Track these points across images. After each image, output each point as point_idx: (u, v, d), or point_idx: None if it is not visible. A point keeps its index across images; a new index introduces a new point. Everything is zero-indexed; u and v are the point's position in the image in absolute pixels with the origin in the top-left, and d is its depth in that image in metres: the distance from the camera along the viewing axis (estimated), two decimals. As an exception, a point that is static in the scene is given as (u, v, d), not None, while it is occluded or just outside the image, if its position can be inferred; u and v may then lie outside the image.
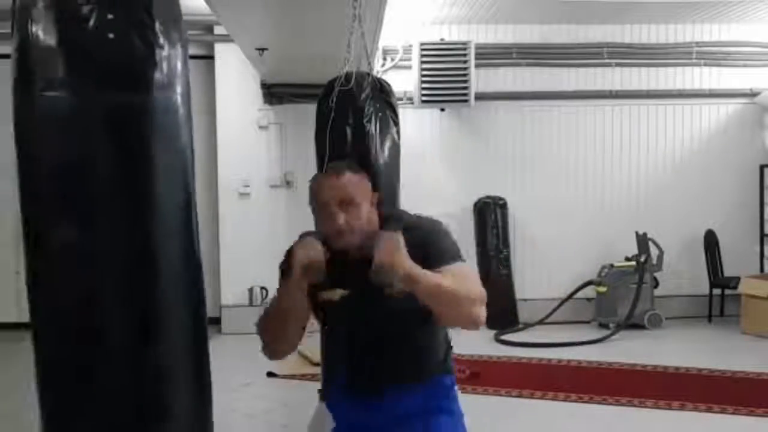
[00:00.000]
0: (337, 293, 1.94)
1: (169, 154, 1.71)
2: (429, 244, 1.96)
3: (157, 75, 1.66)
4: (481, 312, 1.91)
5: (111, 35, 1.59)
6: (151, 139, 1.67)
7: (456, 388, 2.20)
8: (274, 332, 2.06)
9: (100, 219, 1.62)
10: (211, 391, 1.92)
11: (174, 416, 1.74)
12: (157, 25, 1.65)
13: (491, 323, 7.18)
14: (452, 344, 2.25)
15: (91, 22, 1.58)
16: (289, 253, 2.01)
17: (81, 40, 1.58)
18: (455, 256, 1.98)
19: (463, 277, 1.92)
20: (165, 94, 1.68)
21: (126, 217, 1.65)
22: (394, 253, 1.79)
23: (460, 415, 2.17)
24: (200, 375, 1.86)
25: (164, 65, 1.67)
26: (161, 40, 1.66)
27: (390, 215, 2.11)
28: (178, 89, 1.72)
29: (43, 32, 1.58)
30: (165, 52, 1.67)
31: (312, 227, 2.11)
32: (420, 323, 2.02)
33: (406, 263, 1.79)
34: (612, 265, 7.18)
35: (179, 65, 1.72)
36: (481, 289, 1.93)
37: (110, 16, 1.58)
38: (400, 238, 1.84)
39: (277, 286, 2.06)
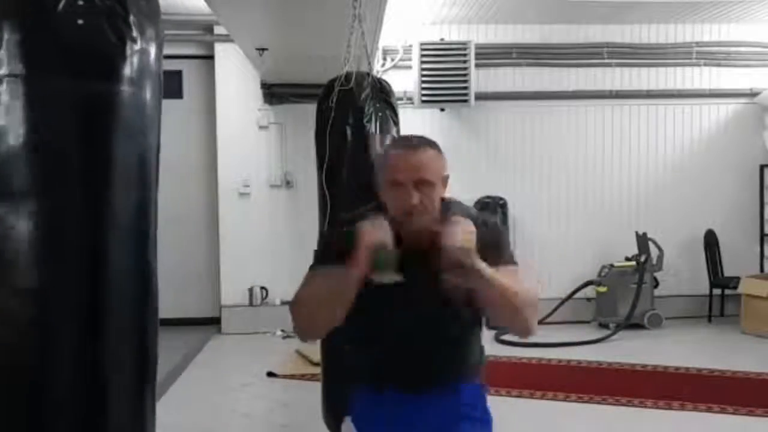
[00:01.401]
0: (392, 276, 1.76)
1: (130, 150, 1.67)
2: (492, 239, 1.86)
3: (126, 68, 1.61)
4: (536, 320, 1.83)
5: (80, 21, 1.56)
6: (114, 135, 1.62)
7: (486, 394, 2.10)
8: (313, 316, 1.87)
9: (54, 214, 1.58)
10: (153, 404, 1.85)
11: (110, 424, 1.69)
12: (131, 18, 1.62)
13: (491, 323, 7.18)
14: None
15: (60, 7, 1.55)
16: (337, 232, 1.87)
17: (48, 23, 1.55)
18: (514, 258, 1.90)
19: (523, 281, 1.83)
20: (132, 89, 1.64)
21: (78, 210, 1.60)
22: (468, 239, 1.68)
23: (490, 423, 2.07)
24: (141, 381, 1.80)
25: (135, 59, 1.63)
26: (134, 34, 1.62)
27: (450, 201, 1.93)
28: (148, 86, 1.68)
29: (10, 14, 1.55)
30: (137, 46, 1.63)
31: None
32: (467, 322, 1.93)
33: (477, 256, 1.69)
34: (612, 265, 7.18)
35: (152, 62, 1.68)
36: (537, 294, 1.86)
37: (80, 2, 1.55)
38: (472, 226, 1.73)
39: (314, 272, 1.89)
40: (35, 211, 1.58)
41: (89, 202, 1.62)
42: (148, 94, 1.69)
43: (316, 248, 2.01)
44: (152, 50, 1.68)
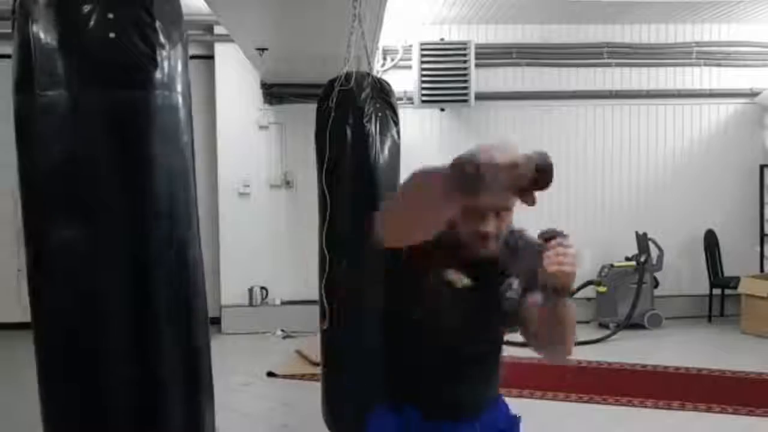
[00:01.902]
0: (463, 280, 1.76)
1: (170, 152, 1.71)
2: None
3: (158, 74, 1.65)
4: (572, 349, 1.76)
5: (111, 34, 1.59)
6: (152, 137, 1.66)
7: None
8: (404, 227, 1.59)
9: (101, 219, 1.62)
10: (212, 398, 1.89)
11: (168, 420, 1.72)
12: (158, 25, 1.65)
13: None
14: None
15: (92, 22, 1.57)
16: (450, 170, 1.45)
17: (81, 39, 1.58)
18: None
19: (574, 315, 1.73)
20: (165, 92, 1.68)
21: (127, 217, 1.64)
22: (576, 264, 1.61)
23: None
24: (197, 379, 1.84)
25: (165, 64, 1.67)
26: (162, 40, 1.65)
27: (512, 227, 1.84)
28: (179, 88, 1.72)
29: (43, 32, 1.57)
30: (165, 52, 1.67)
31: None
32: (500, 338, 1.90)
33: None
34: (612, 265, 7.18)
35: (179, 65, 1.72)
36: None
37: (110, 16, 1.58)
38: (576, 251, 1.65)
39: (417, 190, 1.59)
40: (83, 221, 1.61)
41: (133, 204, 1.66)
42: (179, 95, 1.73)
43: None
44: (179, 53, 1.73)
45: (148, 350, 1.69)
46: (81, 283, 1.63)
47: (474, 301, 1.78)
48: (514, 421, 2.02)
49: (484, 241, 1.74)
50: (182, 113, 1.75)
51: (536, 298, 1.67)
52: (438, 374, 1.84)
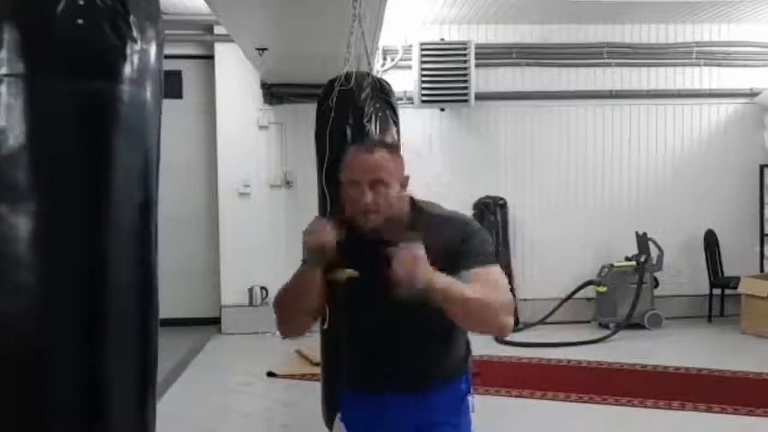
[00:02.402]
0: (346, 273, 1.85)
1: (131, 151, 1.67)
2: (460, 242, 1.87)
3: (127, 68, 1.60)
4: (508, 321, 1.82)
5: (80, 21, 1.55)
6: (114, 133, 1.61)
7: (471, 397, 2.07)
8: (286, 313, 2.02)
9: (54, 215, 1.57)
10: (154, 406, 1.86)
11: (113, 418, 1.69)
12: (132, 18, 1.62)
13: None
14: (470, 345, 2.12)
15: (60, 7, 1.54)
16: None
17: (47, 23, 1.55)
18: (486, 258, 1.88)
19: (490, 284, 1.82)
20: (133, 88, 1.64)
21: (79, 210, 1.59)
22: (415, 267, 1.68)
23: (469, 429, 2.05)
24: (143, 384, 1.80)
25: (135, 59, 1.62)
26: (135, 34, 1.62)
27: (423, 204, 1.99)
28: (149, 87, 1.67)
29: (9, 14, 1.54)
30: (137, 47, 1.63)
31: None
32: (436, 319, 1.85)
33: (428, 275, 1.69)
34: (612, 265, 7.18)
35: (152, 62, 1.67)
36: (508, 297, 1.85)
37: (80, 2, 1.55)
38: (421, 249, 1.71)
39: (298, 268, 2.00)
40: (36, 212, 1.57)
41: (90, 202, 1.62)
42: (148, 94, 1.68)
43: None
44: (153, 50, 1.68)
45: (95, 353, 1.64)
46: (26, 278, 1.58)
47: (372, 292, 1.83)
48: (461, 406, 2.04)
49: (367, 215, 1.87)
50: (150, 112, 1.70)
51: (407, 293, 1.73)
52: (371, 360, 1.99)
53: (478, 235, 1.92)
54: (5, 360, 1.59)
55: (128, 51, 1.61)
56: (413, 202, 1.98)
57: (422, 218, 1.94)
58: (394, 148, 1.98)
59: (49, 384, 1.60)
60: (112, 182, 1.63)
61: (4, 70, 1.55)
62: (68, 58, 1.56)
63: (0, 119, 1.55)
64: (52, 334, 1.60)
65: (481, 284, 1.79)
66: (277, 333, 7.35)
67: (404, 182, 1.94)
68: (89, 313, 1.63)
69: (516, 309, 7.26)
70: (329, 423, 3.67)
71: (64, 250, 1.60)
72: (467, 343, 2.08)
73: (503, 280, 1.88)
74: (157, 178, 1.79)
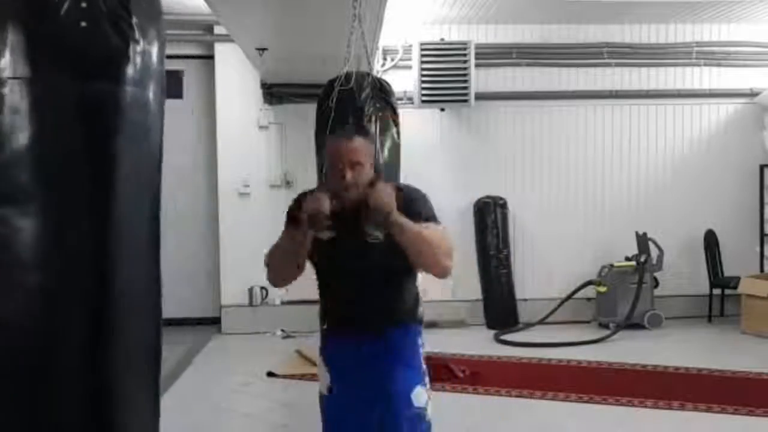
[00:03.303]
0: (326, 233, 2.23)
1: (136, 150, 1.68)
2: (413, 202, 2.30)
3: (130, 69, 1.62)
4: (450, 264, 2.28)
5: (83, 23, 1.56)
6: (119, 133, 1.62)
7: (422, 340, 2.45)
8: (277, 267, 2.41)
9: (60, 215, 1.57)
10: (158, 406, 1.86)
11: (119, 424, 1.69)
12: (134, 20, 1.62)
13: (491, 323, 7.19)
14: (422, 299, 2.52)
15: (63, 10, 1.55)
16: (298, 202, 2.36)
17: (51, 26, 1.55)
18: (433, 217, 2.32)
19: (438, 232, 2.28)
20: (136, 89, 1.64)
21: (85, 214, 1.60)
22: (388, 197, 2.14)
23: (421, 368, 2.42)
24: (149, 385, 1.80)
25: (138, 60, 1.63)
26: (137, 35, 1.62)
27: (379, 176, 2.43)
28: (151, 86, 1.68)
29: (14, 17, 1.55)
30: (140, 48, 1.63)
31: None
32: (395, 262, 2.28)
33: (393, 208, 2.14)
34: (612, 265, 7.18)
35: (154, 63, 1.68)
36: (452, 245, 2.31)
37: (83, 5, 1.56)
38: (392, 189, 2.20)
39: (284, 229, 2.38)
40: (41, 212, 1.58)
41: (95, 201, 1.62)
42: (151, 94, 1.69)
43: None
44: (155, 51, 1.69)
45: (102, 350, 1.64)
46: (33, 278, 1.58)
47: (348, 248, 2.29)
48: (415, 348, 2.43)
49: (346, 189, 2.26)
50: (153, 112, 1.71)
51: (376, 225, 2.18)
52: (344, 303, 2.42)
53: (428, 201, 2.37)
54: (12, 360, 1.59)
55: (131, 52, 1.62)
56: (376, 178, 2.40)
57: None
58: (367, 133, 2.45)
59: (55, 381, 1.60)
60: (117, 182, 1.63)
61: (8, 73, 1.55)
62: (72, 61, 1.57)
63: (6, 121, 1.56)
64: (59, 332, 1.60)
65: (431, 231, 2.25)
66: (281, 335, 7.33)
67: (373, 162, 2.37)
68: (94, 310, 1.63)
69: (515, 308, 7.28)
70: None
71: (70, 249, 1.60)
72: (417, 295, 2.48)
73: (448, 234, 2.34)
74: (160, 174, 1.80)
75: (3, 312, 1.59)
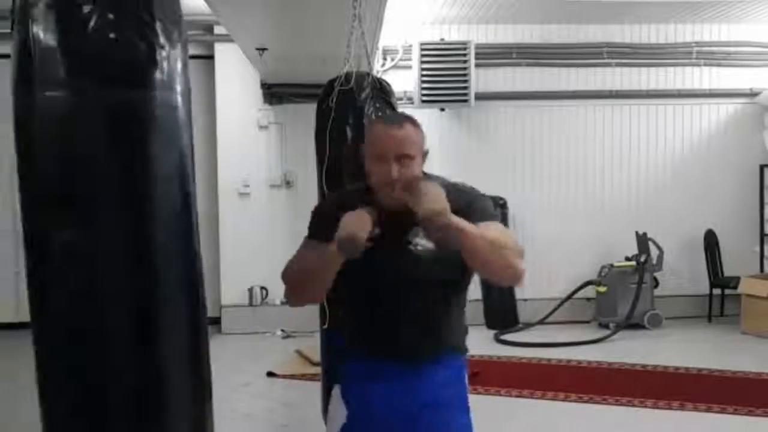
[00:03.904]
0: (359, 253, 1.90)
1: (169, 153, 1.72)
2: (470, 202, 1.95)
3: (158, 74, 1.66)
4: (521, 265, 1.90)
5: (112, 35, 1.59)
6: (152, 138, 1.67)
7: (465, 375, 2.11)
8: (297, 288, 2.03)
9: (100, 219, 1.62)
10: (210, 391, 1.92)
11: (171, 416, 1.74)
12: (158, 25, 1.65)
13: (491, 323, 7.18)
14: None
15: (92, 23, 1.58)
16: (333, 205, 2.00)
17: (82, 39, 1.58)
18: (494, 215, 1.98)
19: (503, 231, 1.94)
20: (165, 93, 1.69)
21: (125, 217, 1.65)
22: (442, 200, 1.78)
23: (470, 412, 2.09)
24: (198, 375, 1.86)
25: (164, 65, 1.67)
26: (162, 40, 1.66)
27: (431, 175, 2.04)
28: (178, 88, 1.73)
29: (43, 32, 1.58)
30: (165, 52, 1.67)
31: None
32: (444, 291, 1.98)
33: (449, 212, 1.77)
34: (612, 265, 7.18)
35: (179, 65, 1.73)
36: (519, 244, 1.94)
37: (111, 16, 1.59)
38: (442, 189, 1.83)
39: (308, 237, 2.02)
40: (82, 219, 1.63)
41: (133, 204, 1.67)
42: (179, 96, 1.74)
43: (309, 223, 2.09)
44: (179, 53, 1.74)
45: (151, 349, 1.70)
46: (80, 286, 1.63)
47: (384, 254, 1.89)
48: (461, 384, 2.07)
49: (389, 187, 1.89)
50: (182, 114, 1.76)
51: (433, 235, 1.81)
52: (378, 326, 2.01)
53: (484, 198, 2.02)
54: (63, 360, 1.63)
55: (158, 57, 1.66)
56: (423, 173, 2.02)
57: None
58: (416, 122, 2.00)
59: (107, 383, 1.64)
60: (152, 184, 1.68)
61: (42, 88, 1.59)
62: (104, 72, 1.62)
63: (41, 133, 1.60)
64: (106, 334, 1.64)
65: (495, 231, 1.89)
66: (281, 335, 7.31)
67: (424, 156, 2.00)
68: (139, 311, 1.69)
69: (515, 308, 7.27)
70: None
71: (115, 254, 1.64)
72: (466, 326, 2.11)
73: (513, 232, 2.00)
74: (194, 173, 1.84)
75: (54, 314, 1.64)
